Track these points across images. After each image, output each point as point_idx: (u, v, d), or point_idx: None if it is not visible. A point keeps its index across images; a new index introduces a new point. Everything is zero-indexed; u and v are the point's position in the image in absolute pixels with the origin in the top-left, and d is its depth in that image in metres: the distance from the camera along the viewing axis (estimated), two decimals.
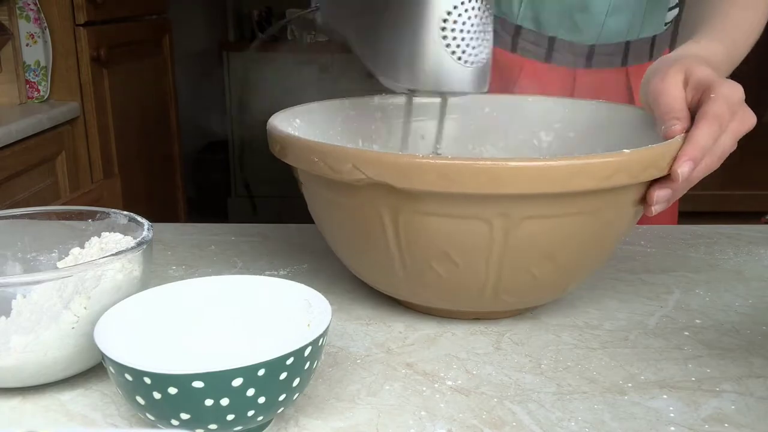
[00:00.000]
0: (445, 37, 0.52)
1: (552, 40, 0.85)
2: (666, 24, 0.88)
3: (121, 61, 2.04)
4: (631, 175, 0.47)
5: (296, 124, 0.63)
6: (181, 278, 0.64)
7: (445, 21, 0.52)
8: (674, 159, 0.49)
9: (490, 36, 0.55)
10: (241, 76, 3.34)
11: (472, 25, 0.53)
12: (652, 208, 0.51)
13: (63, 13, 1.79)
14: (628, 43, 0.86)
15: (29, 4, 1.73)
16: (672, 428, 0.43)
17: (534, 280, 0.52)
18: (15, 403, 0.45)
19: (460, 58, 0.53)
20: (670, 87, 0.54)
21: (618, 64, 0.87)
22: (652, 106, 0.56)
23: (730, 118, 0.52)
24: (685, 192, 0.53)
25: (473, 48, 0.53)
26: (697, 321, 0.57)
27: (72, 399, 0.46)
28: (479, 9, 0.53)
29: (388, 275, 0.54)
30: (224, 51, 3.36)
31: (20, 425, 0.43)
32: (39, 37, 1.76)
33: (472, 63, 0.54)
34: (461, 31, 0.53)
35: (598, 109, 0.68)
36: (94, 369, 0.49)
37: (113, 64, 1.98)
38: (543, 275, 0.52)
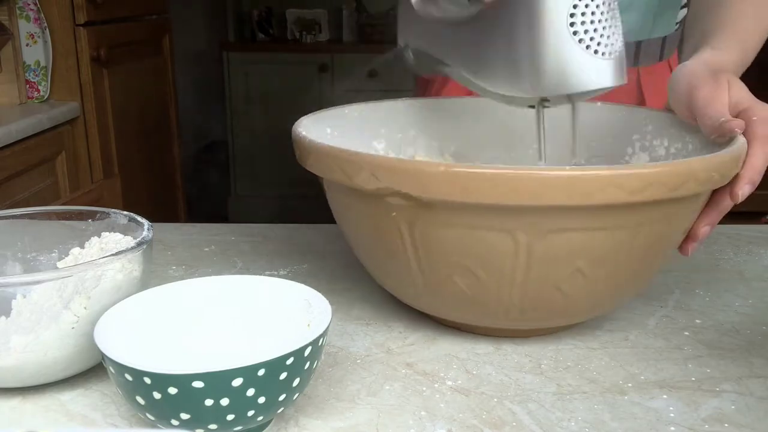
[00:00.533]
0: (576, 32, 0.48)
1: None
2: (677, 24, 0.88)
3: (121, 61, 2.04)
4: (669, 189, 0.44)
5: (328, 132, 0.61)
6: (181, 278, 0.64)
7: (572, 15, 0.48)
8: (733, 179, 0.49)
9: (620, 22, 0.50)
10: (241, 76, 3.34)
11: (602, 13, 0.48)
12: (694, 244, 0.53)
13: (63, 13, 1.79)
14: (639, 43, 0.85)
15: (29, 4, 1.73)
16: (672, 428, 0.43)
17: (564, 298, 0.48)
18: (15, 403, 0.45)
19: (596, 51, 0.48)
20: (722, 96, 0.54)
21: (630, 64, 0.87)
22: (701, 109, 0.54)
23: None
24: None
25: (608, 37, 0.49)
26: (697, 321, 0.57)
27: (72, 399, 0.46)
28: None
29: (408, 286, 0.52)
30: (224, 51, 3.36)
31: (20, 425, 0.43)
32: (39, 37, 1.76)
33: (611, 54, 0.49)
34: (592, 22, 0.48)
35: (596, 110, 0.66)
36: (94, 369, 0.49)
37: (113, 64, 1.98)
38: (573, 292, 0.48)
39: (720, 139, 0.51)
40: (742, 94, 0.55)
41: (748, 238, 0.74)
